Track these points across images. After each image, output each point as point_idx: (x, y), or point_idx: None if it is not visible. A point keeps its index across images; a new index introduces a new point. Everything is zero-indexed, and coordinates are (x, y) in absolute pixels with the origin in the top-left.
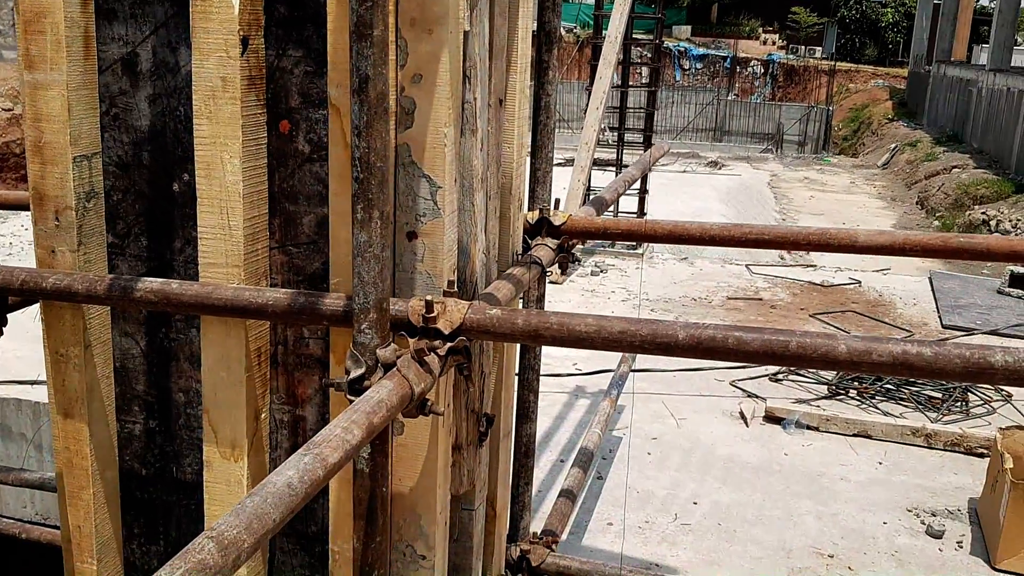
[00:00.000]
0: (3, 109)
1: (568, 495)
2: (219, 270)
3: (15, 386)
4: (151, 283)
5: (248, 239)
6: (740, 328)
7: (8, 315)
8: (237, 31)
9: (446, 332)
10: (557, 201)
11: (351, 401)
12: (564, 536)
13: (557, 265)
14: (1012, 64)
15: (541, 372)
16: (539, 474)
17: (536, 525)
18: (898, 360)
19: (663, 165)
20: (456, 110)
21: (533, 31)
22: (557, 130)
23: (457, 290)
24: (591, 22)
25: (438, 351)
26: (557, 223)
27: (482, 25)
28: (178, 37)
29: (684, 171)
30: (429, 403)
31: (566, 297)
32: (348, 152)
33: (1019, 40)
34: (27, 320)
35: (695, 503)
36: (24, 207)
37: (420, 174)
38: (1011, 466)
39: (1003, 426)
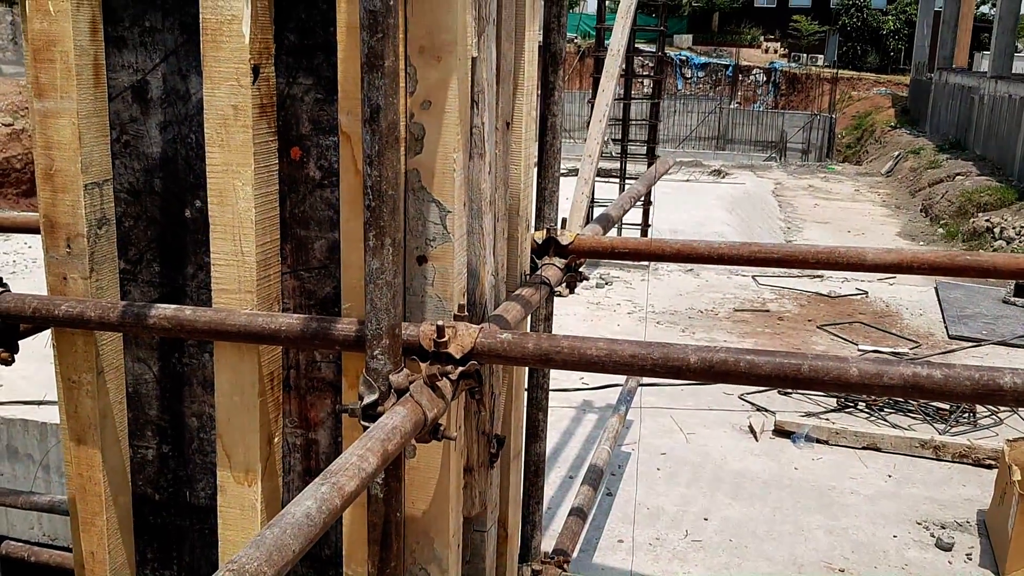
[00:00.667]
0: (3, 124)
1: (579, 513)
2: (232, 296)
3: (22, 406)
4: (164, 309)
5: (260, 265)
6: (752, 352)
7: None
8: (248, 59)
9: (457, 356)
10: (564, 220)
11: (365, 427)
12: (575, 554)
13: (565, 284)
14: (1013, 71)
15: (549, 387)
16: (549, 491)
17: (547, 543)
18: (909, 383)
19: (666, 174)
20: (465, 135)
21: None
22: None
23: (467, 313)
24: (592, 32)
25: (450, 376)
26: (564, 243)
27: (489, 51)
28: (188, 65)
29: (688, 180)
30: (442, 428)
31: (571, 310)
32: (359, 178)
33: (1020, 47)
34: (32, 340)
35: (706, 519)
36: (34, 230)
37: (430, 199)
38: (1019, 478)
39: (1011, 438)
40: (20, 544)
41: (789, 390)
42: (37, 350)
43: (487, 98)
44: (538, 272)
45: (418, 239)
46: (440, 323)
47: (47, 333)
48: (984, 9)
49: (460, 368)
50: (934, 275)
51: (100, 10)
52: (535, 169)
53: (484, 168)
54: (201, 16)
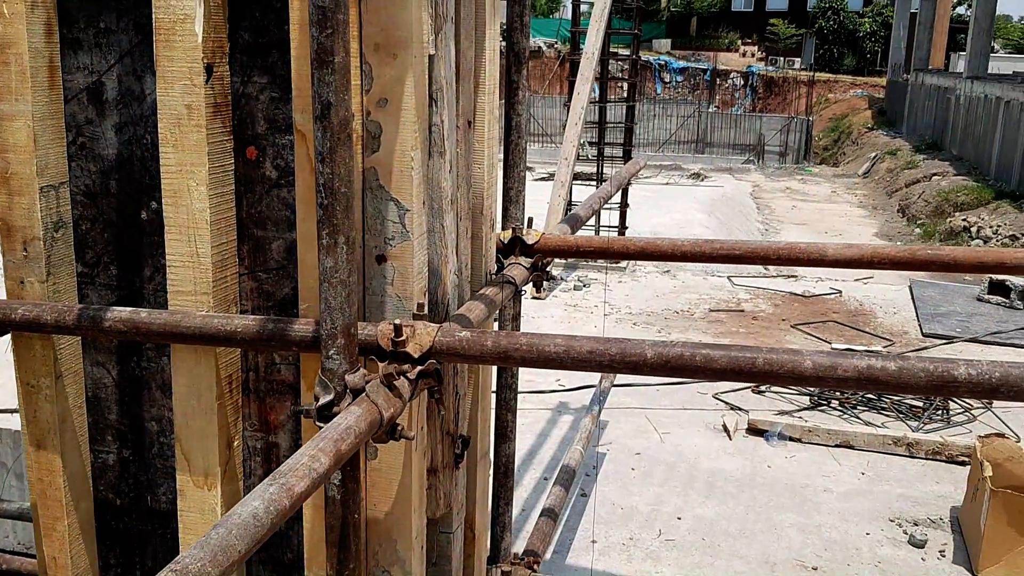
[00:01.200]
0: None
1: (550, 514)
2: (188, 298)
3: None
4: (120, 312)
5: (217, 266)
6: (707, 346)
7: None
8: (201, 59)
9: (416, 356)
10: (531, 220)
11: (321, 428)
12: (548, 555)
13: (532, 284)
14: (989, 71)
15: (524, 389)
16: (523, 492)
17: (519, 545)
18: (863, 375)
19: (645, 178)
20: (423, 133)
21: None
22: (539, 144)
23: (429, 312)
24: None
25: (408, 375)
26: (530, 242)
27: (448, 48)
28: (143, 66)
29: (667, 183)
30: (399, 428)
31: (549, 312)
32: (314, 177)
33: (995, 47)
34: (2, 349)
35: (679, 518)
36: None
37: (388, 197)
38: (990, 474)
39: (983, 434)
40: None
41: (762, 389)
42: (8, 359)
43: (446, 96)
44: (503, 272)
45: (377, 238)
46: (398, 322)
47: (7, 339)
48: (960, 10)
49: (419, 367)
50: (894, 269)
51: (55, 12)
52: (501, 169)
53: (444, 167)
54: (154, 16)
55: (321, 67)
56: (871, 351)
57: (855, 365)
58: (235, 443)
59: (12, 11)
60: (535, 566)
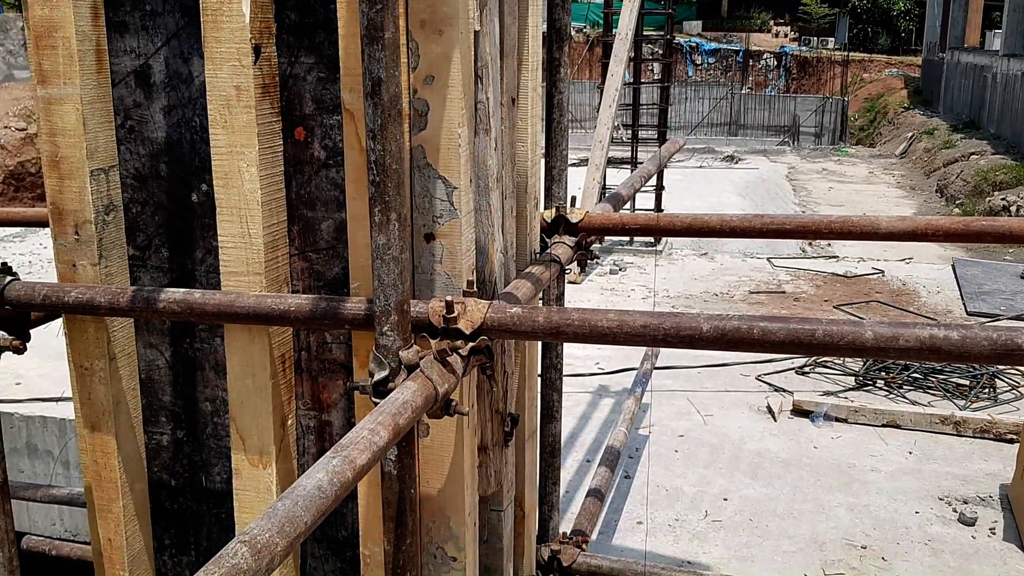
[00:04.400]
0: (17, 129)
1: (596, 495)
2: (241, 278)
3: (40, 404)
4: (174, 293)
5: (268, 246)
6: (765, 318)
7: (31, 331)
8: (249, 39)
9: (467, 332)
10: (573, 199)
11: (376, 404)
12: (594, 536)
13: (576, 263)
14: None
15: (564, 372)
16: (566, 475)
17: (565, 526)
18: (925, 344)
19: (679, 161)
20: (469, 110)
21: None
22: (570, 130)
23: (476, 290)
24: (600, 21)
25: (460, 351)
26: (574, 220)
27: (492, 24)
28: (190, 48)
29: (700, 166)
30: (453, 403)
31: (586, 296)
32: (363, 156)
33: None
34: (49, 337)
35: (725, 499)
36: (41, 223)
37: (435, 175)
38: None
39: None
40: (41, 538)
41: (806, 369)
42: (55, 348)
43: (491, 73)
44: (548, 251)
45: (425, 216)
46: (449, 299)
47: (59, 326)
48: None
49: (470, 344)
50: (948, 241)
51: None
52: (543, 147)
53: (490, 144)
54: None
55: (372, 43)
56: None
57: (917, 335)
58: (289, 422)
59: None
60: (583, 545)
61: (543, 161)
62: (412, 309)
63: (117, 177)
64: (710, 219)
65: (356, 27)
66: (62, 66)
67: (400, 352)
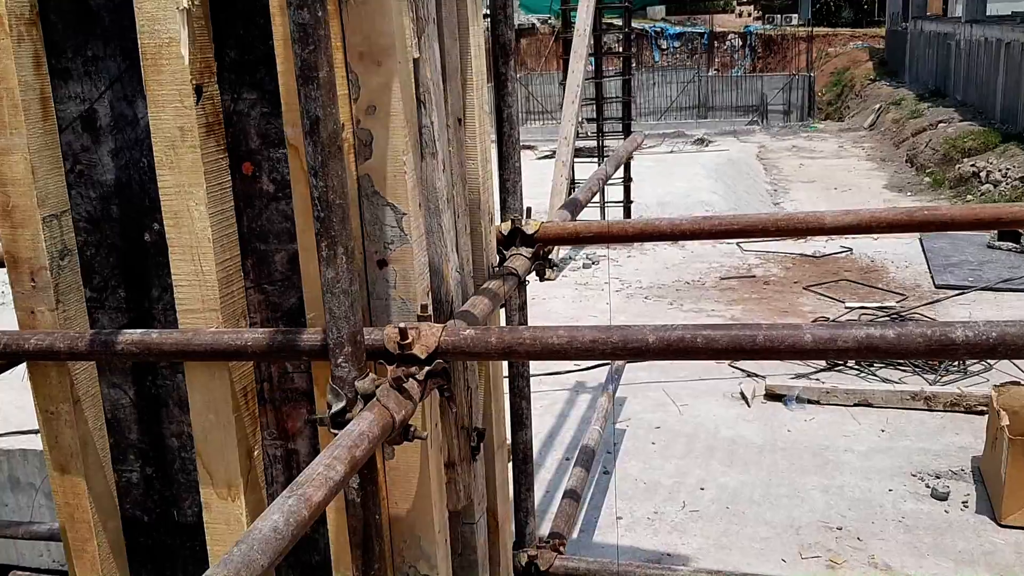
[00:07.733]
0: None
1: (572, 495)
2: (197, 315)
3: (19, 436)
4: (131, 335)
5: (223, 282)
6: (707, 327)
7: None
8: (190, 80)
9: (423, 357)
10: (529, 209)
11: (335, 435)
12: (575, 535)
13: (535, 272)
14: (988, 14)
15: (541, 372)
16: (546, 475)
17: (545, 528)
18: (863, 344)
19: (649, 147)
20: (413, 136)
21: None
22: (540, 122)
23: (434, 310)
24: None
25: (416, 376)
26: (529, 232)
27: (432, 50)
28: (133, 90)
29: (671, 151)
30: (412, 428)
31: (560, 292)
32: (310, 189)
33: None
34: (22, 370)
35: (702, 488)
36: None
37: (384, 203)
38: (1007, 423)
39: (999, 383)
40: (28, 573)
41: None
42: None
43: (434, 97)
44: (506, 264)
45: (376, 243)
46: (402, 325)
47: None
48: None
49: (426, 368)
50: (892, 233)
51: (42, 43)
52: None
53: (437, 167)
54: (139, 41)
55: (307, 83)
56: (900, 311)
57: (854, 335)
58: (255, 453)
59: None
60: (560, 548)
61: (497, 176)
62: (367, 337)
63: (70, 221)
64: (660, 224)
65: (293, 64)
66: (7, 117)
67: (356, 382)
